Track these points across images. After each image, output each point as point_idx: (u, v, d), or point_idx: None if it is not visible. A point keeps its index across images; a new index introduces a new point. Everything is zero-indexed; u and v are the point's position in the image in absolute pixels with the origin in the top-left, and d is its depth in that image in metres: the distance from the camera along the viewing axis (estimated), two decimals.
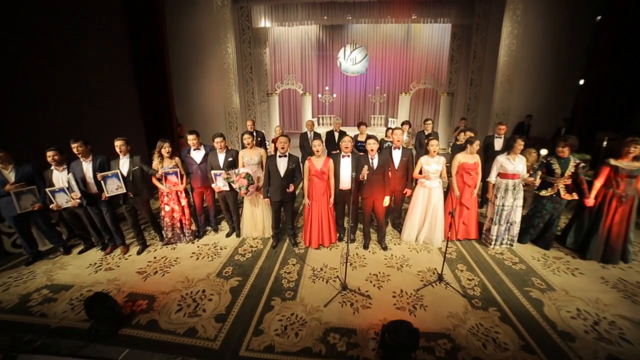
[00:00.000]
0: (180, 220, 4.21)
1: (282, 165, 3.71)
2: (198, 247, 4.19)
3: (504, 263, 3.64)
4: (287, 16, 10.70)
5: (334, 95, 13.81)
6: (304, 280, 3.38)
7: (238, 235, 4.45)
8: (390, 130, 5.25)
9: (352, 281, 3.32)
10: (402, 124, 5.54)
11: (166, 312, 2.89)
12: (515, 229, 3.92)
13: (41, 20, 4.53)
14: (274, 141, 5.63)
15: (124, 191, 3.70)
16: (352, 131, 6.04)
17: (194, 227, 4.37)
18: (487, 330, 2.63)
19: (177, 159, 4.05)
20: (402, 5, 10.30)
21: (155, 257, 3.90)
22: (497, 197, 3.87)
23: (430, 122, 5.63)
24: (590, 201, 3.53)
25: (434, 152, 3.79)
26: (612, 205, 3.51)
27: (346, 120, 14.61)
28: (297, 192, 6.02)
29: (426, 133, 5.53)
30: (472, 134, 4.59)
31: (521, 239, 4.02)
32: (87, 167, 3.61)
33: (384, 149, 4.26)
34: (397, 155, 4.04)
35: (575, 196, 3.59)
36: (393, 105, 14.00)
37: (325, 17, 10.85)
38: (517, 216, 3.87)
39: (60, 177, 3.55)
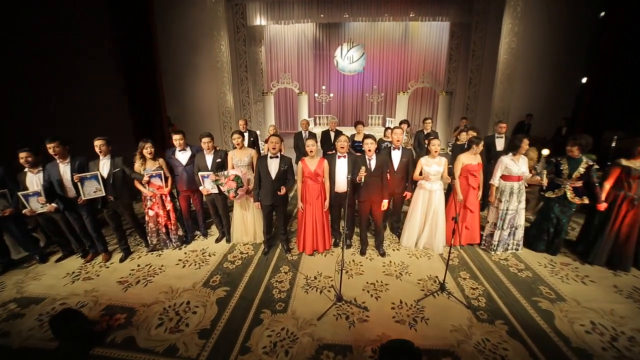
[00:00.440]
0: (166, 226, 3.97)
1: (274, 166, 3.48)
2: (185, 253, 3.95)
3: (509, 270, 3.44)
4: (283, 14, 10.48)
5: (331, 95, 13.59)
6: (296, 290, 3.15)
7: (228, 241, 4.21)
8: (389, 130, 5.03)
9: (348, 291, 3.10)
10: (401, 123, 5.33)
11: (146, 328, 2.65)
12: (520, 233, 3.72)
13: (22, 14, 4.27)
14: (267, 141, 5.41)
15: (103, 194, 3.46)
16: (349, 131, 5.83)
17: (181, 233, 4.13)
18: (495, 346, 2.41)
19: (161, 160, 3.81)
20: (400, 3, 10.12)
21: (138, 265, 3.66)
22: (501, 201, 3.65)
23: (429, 121, 5.43)
24: (602, 206, 3.31)
25: (435, 152, 3.58)
26: (622, 208, 3.31)
27: (343, 120, 14.40)
28: (291, 194, 5.86)
29: (425, 132, 5.32)
30: (475, 133, 4.38)
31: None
32: (65, 169, 3.36)
33: (383, 150, 4.04)
34: (396, 156, 3.83)
35: (585, 200, 3.37)
36: (391, 105, 13.81)
37: (322, 15, 10.65)
38: (521, 220, 3.67)
39: (34, 180, 3.30)
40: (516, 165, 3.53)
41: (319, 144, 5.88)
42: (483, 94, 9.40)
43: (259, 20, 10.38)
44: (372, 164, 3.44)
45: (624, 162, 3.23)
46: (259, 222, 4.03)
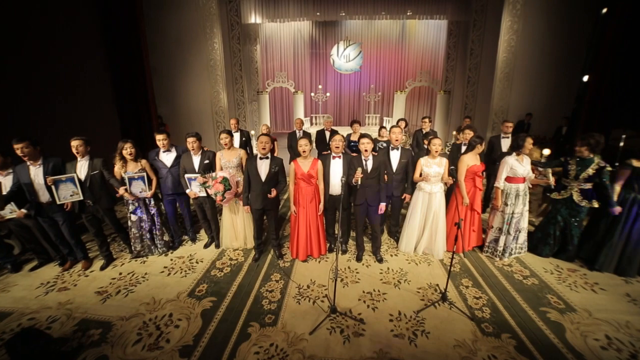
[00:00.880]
0: (151, 231, 3.74)
1: (264, 168, 3.27)
2: (171, 260, 3.73)
3: (514, 277, 3.24)
4: (279, 12, 10.29)
5: (328, 94, 13.39)
6: (287, 301, 2.94)
7: (217, 246, 4.00)
8: (383, 129, 4.83)
9: (343, 301, 2.89)
10: (398, 121, 5.12)
11: (122, 345, 2.42)
12: (523, 236, 3.53)
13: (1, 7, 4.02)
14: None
15: (81, 198, 3.23)
16: (345, 131, 5.62)
17: (167, 238, 3.90)
18: None
19: (143, 161, 3.58)
20: (397, 0, 9.96)
21: (120, 274, 3.43)
22: (507, 205, 3.44)
23: (427, 119, 5.23)
24: (617, 209, 3.08)
25: (436, 152, 3.38)
26: (631, 211, 3.13)
27: (340, 120, 14.22)
28: (284, 197, 5.65)
29: (424, 132, 5.13)
30: (472, 133, 4.12)
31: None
32: (36, 171, 3.12)
33: (381, 150, 3.84)
34: (395, 157, 3.62)
35: (595, 204, 3.17)
36: (388, 104, 13.65)
37: (317, 13, 10.48)
38: (524, 222, 3.48)
39: (3, 183, 3.06)
40: (521, 166, 3.34)
41: (313, 143, 5.69)
42: (481, 92, 9.25)
43: (254, 18, 10.18)
44: (369, 164, 3.23)
45: (635, 162, 3.05)
46: (250, 226, 3.81)
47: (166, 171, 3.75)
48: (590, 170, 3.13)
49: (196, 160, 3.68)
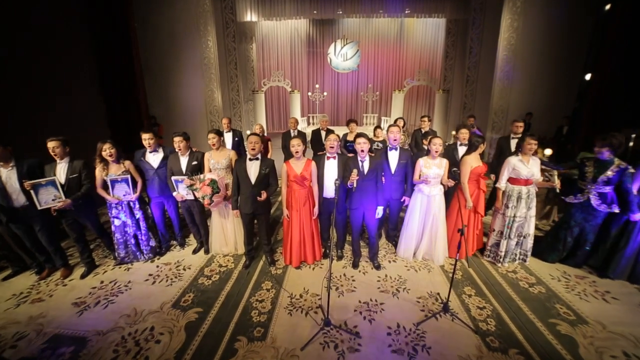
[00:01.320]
0: (136, 236, 3.54)
1: (253, 169, 3.08)
2: (157, 267, 3.53)
3: (519, 285, 3.06)
4: (275, 10, 10.11)
5: (325, 94, 13.21)
6: (278, 312, 2.75)
7: (207, 252, 3.80)
8: (378, 129, 4.64)
9: (338, 313, 2.70)
10: (396, 120, 4.94)
11: None
12: (529, 243, 3.34)
13: None
14: None
15: (65, 202, 3.03)
16: (343, 131, 5.43)
17: (153, 243, 3.69)
18: None
19: (127, 163, 3.38)
20: None
21: (102, 282, 3.22)
22: (508, 207, 3.28)
23: (426, 118, 5.05)
24: (638, 216, 2.89)
25: (436, 152, 3.20)
26: None
27: (338, 120, 14.05)
28: (278, 200, 5.45)
29: (423, 131, 4.95)
30: (467, 132, 3.90)
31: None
32: (9, 174, 2.90)
33: (378, 150, 3.65)
34: (393, 157, 3.43)
35: (615, 209, 2.96)
36: (386, 104, 13.49)
37: (315, 12, 10.31)
38: (531, 228, 3.29)
39: None
40: (525, 167, 3.15)
41: (308, 144, 5.50)
42: (481, 92, 9.10)
43: (250, 16, 9.99)
44: (365, 166, 3.04)
45: None
46: (240, 231, 3.61)
47: (153, 173, 3.55)
48: (610, 172, 2.92)
49: (184, 161, 3.49)
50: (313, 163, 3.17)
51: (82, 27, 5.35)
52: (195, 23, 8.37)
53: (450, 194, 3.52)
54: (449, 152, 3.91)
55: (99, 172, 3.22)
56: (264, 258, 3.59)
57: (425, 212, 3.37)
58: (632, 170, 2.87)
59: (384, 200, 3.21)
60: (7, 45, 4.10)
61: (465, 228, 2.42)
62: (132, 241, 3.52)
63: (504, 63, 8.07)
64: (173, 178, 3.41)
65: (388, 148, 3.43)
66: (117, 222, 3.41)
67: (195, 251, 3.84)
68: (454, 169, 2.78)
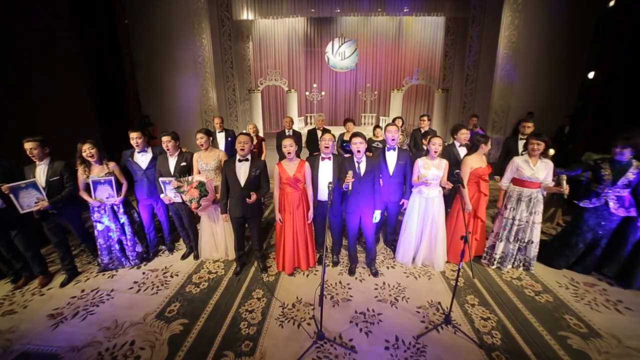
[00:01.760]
0: (120, 241, 3.36)
1: (243, 171, 2.90)
2: (144, 273, 3.35)
3: (525, 293, 2.89)
4: (272, 8, 9.95)
5: (323, 93, 13.04)
6: (269, 323, 2.57)
7: (196, 257, 3.62)
8: (378, 129, 4.47)
9: (332, 324, 2.53)
10: (394, 119, 4.78)
11: None
12: (532, 250, 3.16)
13: None
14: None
15: (49, 204, 2.85)
16: (341, 131, 5.25)
17: (139, 249, 3.51)
18: None
19: (111, 164, 3.20)
20: None
21: (83, 291, 3.04)
22: (506, 208, 3.14)
23: (426, 117, 4.88)
24: None
25: (435, 152, 3.03)
26: None
27: (336, 120, 13.89)
28: (272, 202, 5.26)
29: (423, 131, 4.78)
30: (467, 132, 3.74)
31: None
32: None
33: (375, 150, 3.48)
34: (391, 158, 3.26)
35: (633, 212, 2.78)
36: (385, 103, 13.34)
37: (312, 10, 10.15)
38: (535, 235, 3.09)
39: None
40: (529, 169, 2.98)
41: (304, 144, 5.33)
42: (481, 91, 8.95)
43: (246, 14, 9.83)
44: (362, 167, 2.87)
45: None
46: (231, 235, 3.43)
47: (141, 174, 3.38)
48: (631, 175, 2.73)
49: (172, 162, 3.31)
50: (307, 164, 3.00)
51: (69, 23, 5.15)
52: (189, 20, 8.19)
53: (453, 197, 3.36)
54: (449, 153, 3.72)
55: (80, 173, 3.05)
56: (255, 264, 3.41)
57: (424, 215, 3.20)
58: None
59: (382, 204, 3.04)
60: None
61: (469, 235, 2.23)
62: (117, 247, 3.34)
63: (504, 61, 7.92)
64: (161, 179, 3.23)
65: (386, 148, 3.26)
66: (99, 226, 3.22)
67: (184, 257, 3.66)
68: (457, 170, 2.61)
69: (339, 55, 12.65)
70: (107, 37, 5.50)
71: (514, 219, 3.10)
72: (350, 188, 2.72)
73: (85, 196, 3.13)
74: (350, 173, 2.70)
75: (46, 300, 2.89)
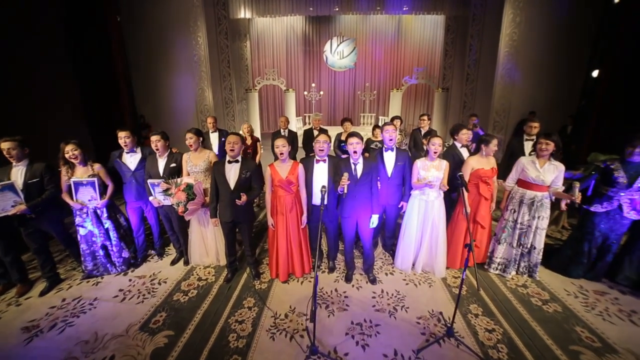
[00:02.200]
0: (105, 246, 3.20)
1: (233, 173, 2.74)
2: (130, 280, 3.19)
3: (532, 302, 2.73)
4: (269, 7, 9.80)
5: (321, 93, 12.88)
6: (259, 335, 2.41)
7: (186, 263, 3.46)
8: (377, 129, 4.31)
9: (327, 336, 2.37)
10: (393, 119, 4.62)
11: None
12: (536, 257, 2.99)
13: None
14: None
15: (25, 207, 2.69)
16: (339, 131, 5.10)
17: (126, 254, 3.35)
18: None
19: (96, 165, 3.04)
20: None
21: (63, 300, 2.87)
22: (507, 210, 3.00)
23: (426, 117, 4.73)
24: None
25: (435, 153, 2.88)
26: None
27: (334, 120, 13.73)
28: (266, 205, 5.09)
29: (423, 131, 4.63)
30: (469, 132, 3.56)
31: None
32: None
33: (371, 151, 3.32)
34: (389, 159, 3.10)
35: None
36: (384, 103, 13.19)
37: (310, 8, 10.00)
38: (538, 241, 2.92)
39: None
40: (535, 170, 2.82)
41: (300, 144, 5.17)
42: (481, 90, 8.80)
43: (243, 13, 9.67)
44: (359, 169, 2.71)
45: None
46: (222, 240, 3.27)
47: (130, 175, 3.24)
48: None
49: (161, 163, 3.16)
50: (300, 166, 2.84)
51: (57, 21, 4.99)
52: (184, 19, 8.04)
53: (457, 201, 3.20)
54: (452, 155, 3.55)
55: (63, 174, 2.89)
56: (248, 271, 3.25)
57: (424, 219, 3.04)
58: None
59: (380, 208, 2.88)
60: None
61: (474, 242, 2.07)
62: (101, 252, 3.18)
63: (505, 60, 7.77)
64: (149, 181, 3.07)
65: (384, 149, 3.10)
66: (82, 230, 3.06)
67: (173, 262, 3.50)
68: (459, 173, 2.45)
69: (338, 54, 12.50)
70: (98, 35, 5.33)
71: (515, 222, 2.96)
72: (345, 191, 2.56)
73: (66, 198, 2.96)
74: (345, 175, 2.54)
75: (22, 310, 2.72)
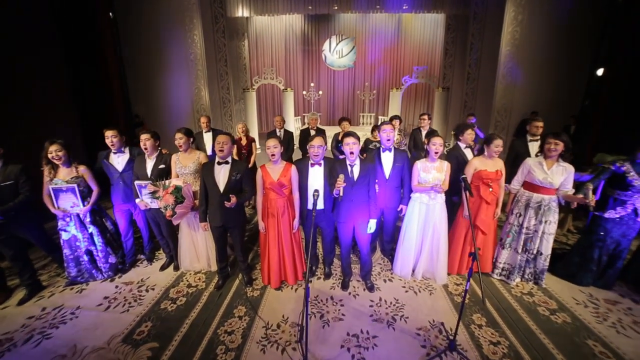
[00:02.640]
0: (90, 251, 3.05)
1: (222, 175, 2.59)
2: (117, 287, 3.04)
3: (539, 312, 2.58)
4: (268, 5, 9.66)
5: (320, 92, 12.73)
6: (249, 348, 2.26)
7: (176, 268, 3.31)
8: (376, 128, 4.16)
9: (321, 349, 2.22)
10: (391, 118, 4.48)
11: None
12: (542, 263, 2.85)
13: None
14: (236, 142, 4.52)
15: None
16: (337, 131, 4.95)
17: (113, 260, 3.20)
18: None
19: (81, 168, 2.89)
20: None
21: (44, 309, 2.72)
22: (512, 213, 2.86)
23: (426, 116, 4.58)
24: None
25: (436, 153, 2.73)
26: None
27: (334, 119, 13.56)
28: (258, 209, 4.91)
29: (423, 131, 4.49)
30: (472, 133, 3.42)
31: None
32: None
33: (368, 151, 3.18)
34: (387, 160, 2.95)
35: None
36: (383, 103, 13.04)
37: (309, 7, 9.87)
38: (544, 247, 2.78)
39: None
40: (542, 172, 2.67)
41: (296, 144, 5.02)
42: (482, 90, 8.65)
43: (241, 11, 9.54)
44: (355, 171, 2.56)
45: None
46: (213, 245, 3.12)
47: (117, 176, 3.10)
48: None
49: (150, 163, 3.01)
50: (293, 168, 2.69)
51: (50, 18, 4.84)
52: (180, 17, 7.88)
53: (454, 203, 3.06)
54: (455, 156, 3.37)
55: (45, 175, 2.74)
56: (240, 277, 3.10)
57: (424, 223, 2.90)
58: None
59: (377, 212, 2.72)
60: None
61: (478, 251, 1.92)
62: (85, 257, 3.03)
63: (507, 59, 7.62)
64: (136, 183, 2.92)
65: (381, 149, 2.95)
66: (65, 235, 2.91)
67: (163, 267, 3.35)
68: (463, 176, 2.30)
69: (337, 53, 12.35)
70: (89, 32, 5.18)
71: (520, 226, 2.82)
72: (341, 194, 2.41)
73: (47, 203, 2.81)
74: (341, 177, 2.39)
75: None
